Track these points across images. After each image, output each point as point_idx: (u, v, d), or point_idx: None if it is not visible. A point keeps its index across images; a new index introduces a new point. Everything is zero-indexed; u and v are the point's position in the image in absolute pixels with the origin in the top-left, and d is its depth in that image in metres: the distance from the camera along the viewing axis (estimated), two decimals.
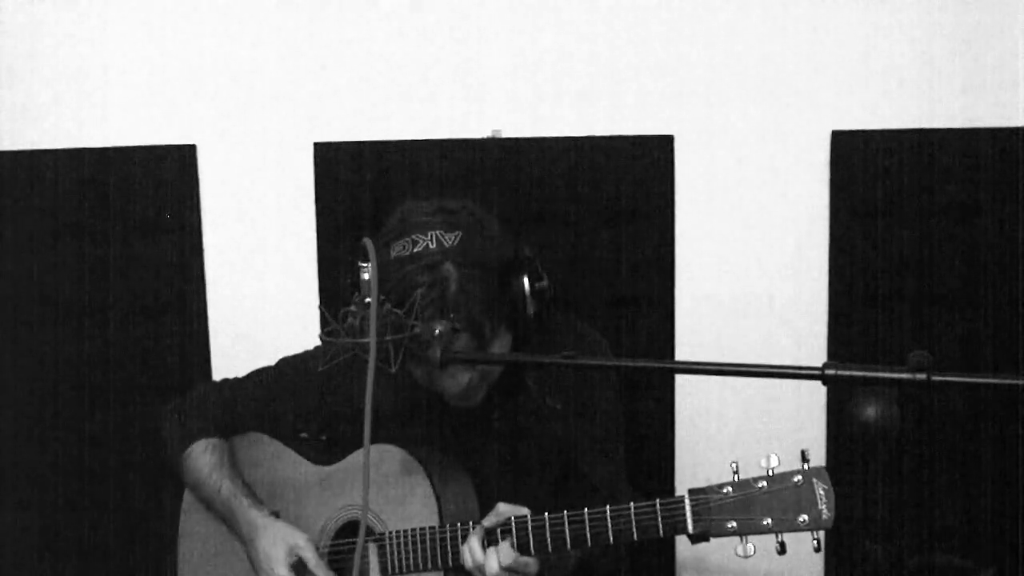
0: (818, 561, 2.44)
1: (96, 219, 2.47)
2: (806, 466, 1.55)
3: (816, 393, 2.40)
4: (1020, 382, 1.20)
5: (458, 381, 1.80)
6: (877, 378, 1.25)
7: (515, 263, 1.77)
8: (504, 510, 1.71)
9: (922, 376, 1.23)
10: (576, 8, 2.35)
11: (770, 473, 1.55)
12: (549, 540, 1.69)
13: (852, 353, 2.37)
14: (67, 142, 2.45)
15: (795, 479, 1.54)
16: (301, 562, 1.86)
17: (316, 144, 2.42)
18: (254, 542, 1.89)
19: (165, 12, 2.41)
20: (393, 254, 1.71)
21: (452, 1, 2.37)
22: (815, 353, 2.40)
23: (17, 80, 2.44)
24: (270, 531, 1.88)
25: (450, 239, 1.74)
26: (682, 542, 2.46)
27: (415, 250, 1.72)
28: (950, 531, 2.40)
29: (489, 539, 1.70)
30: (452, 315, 1.69)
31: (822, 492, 1.54)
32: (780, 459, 1.56)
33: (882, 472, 2.38)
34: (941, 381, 1.22)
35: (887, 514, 2.39)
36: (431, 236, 1.73)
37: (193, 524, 2.05)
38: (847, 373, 1.27)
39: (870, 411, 1.26)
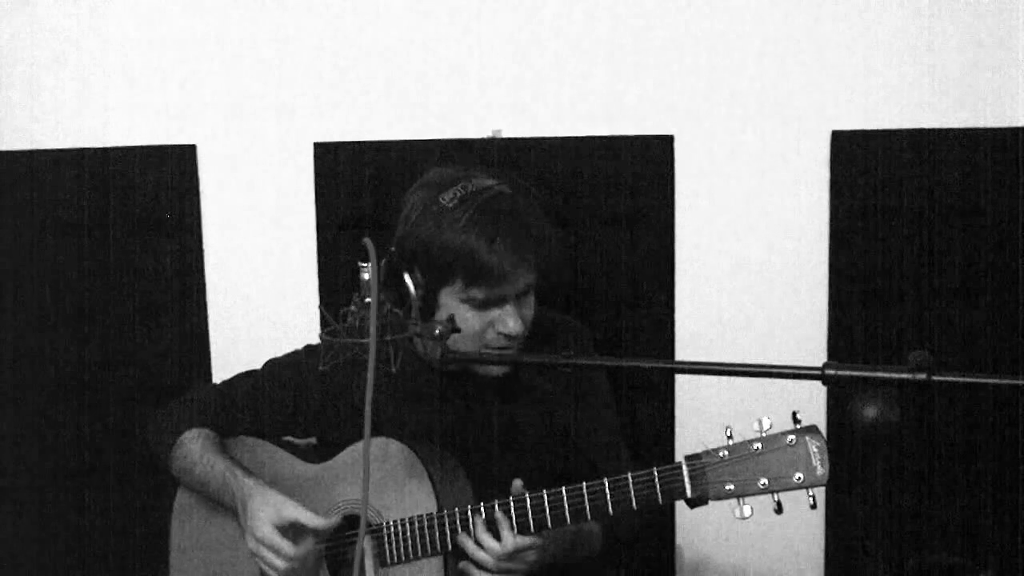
0: (819, 561, 2.44)
1: (96, 219, 2.46)
2: (798, 426, 1.58)
3: (816, 393, 2.40)
4: (1020, 382, 1.20)
5: (515, 323, 1.82)
6: (877, 378, 1.25)
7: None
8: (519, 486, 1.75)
9: (922, 376, 1.23)
10: (576, 8, 2.35)
11: (763, 435, 1.59)
12: (548, 516, 1.70)
13: (852, 353, 2.37)
14: (67, 142, 2.45)
15: (788, 439, 1.58)
16: (293, 526, 1.82)
17: (316, 144, 2.42)
18: (246, 506, 1.85)
19: (165, 12, 2.41)
20: (445, 202, 1.78)
21: (452, 1, 2.37)
22: (815, 353, 2.40)
23: (17, 80, 2.44)
24: (262, 495, 1.84)
25: (493, 182, 1.84)
26: (682, 545, 2.46)
27: (468, 191, 1.79)
28: (950, 531, 2.40)
29: (489, 522, 1.74)
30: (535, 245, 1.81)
31: (815, 449, 1.57)
32: (772, 422, 1.58)
33: (882, 472, 2.38)
34: (941, 381, 1.23)
35: (887, 514, 2.39)
36: (474, 183, 1.82)
37: (184, 531, 2.04)
38: (847, 373, 1.27)
39: (870, 411, 1.26)
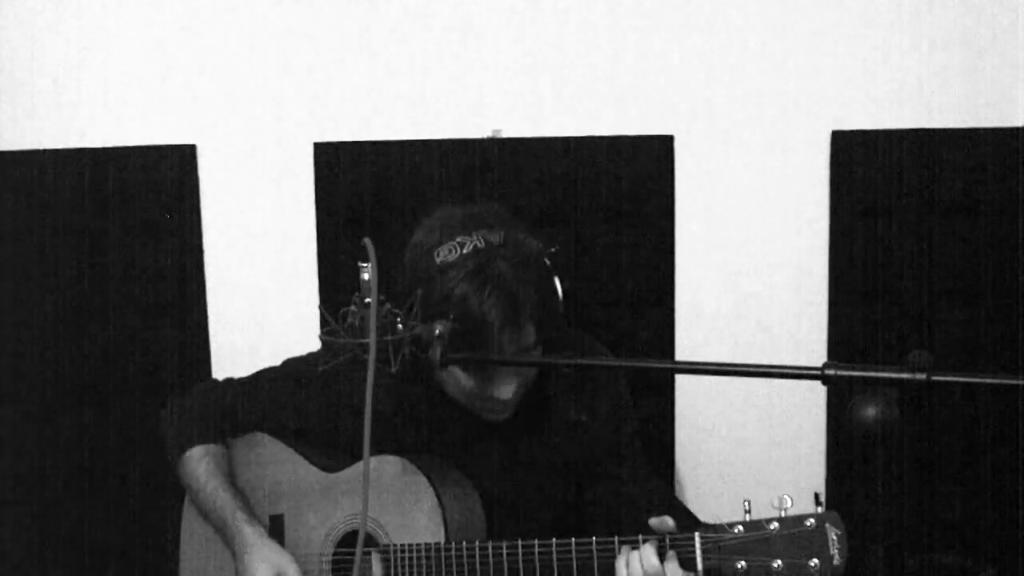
0: None
1: (96, 219, 2.46)
2: (819, 509, 1.53)
3: (816, 393, 2.40)
4: (1020, 382, 1.20)
5: (507, 389, 1.77)
6: (877, 378, 1.25)
7: (548, 258, 1.78)
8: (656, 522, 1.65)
9: (922, 376, 1.23)
10: (576, 8, 2.35)
11: (782, 514, 1.53)
12: (555, 566, 1.69)
13: (852, 353, 2.37)
14: (67, 142, 2.45)
15: (808, 522, 1.52)
16: None
17: (316, 144, 2.42)
18: (242, 559, 1.86)
19: (165, 12, 2.41)
20: (439, 260, 1.69)
21: (452, 1, 2.37)
22: (815, 353, 2.40)
23: (17, 80, 2.44)
24: (258, 550, 1.85)
25: (496, 238, 1.72)
26: None
27: (464, 251, 1.69)
28: (950, 531, 2.40)
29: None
30: (520, 311, 1.67)
31: (835, 537, 1.51)
32: (793, 500, 1.53)
33: (882, 472, 2.38)
34: (941, 381, 1.22)
35: (887, 514, 2.38)
36: (476, 236, 1.71)
37: (195, 523, 2.04)
38: (847, 373, 1.27)
39: (870, 411, 1.25)
